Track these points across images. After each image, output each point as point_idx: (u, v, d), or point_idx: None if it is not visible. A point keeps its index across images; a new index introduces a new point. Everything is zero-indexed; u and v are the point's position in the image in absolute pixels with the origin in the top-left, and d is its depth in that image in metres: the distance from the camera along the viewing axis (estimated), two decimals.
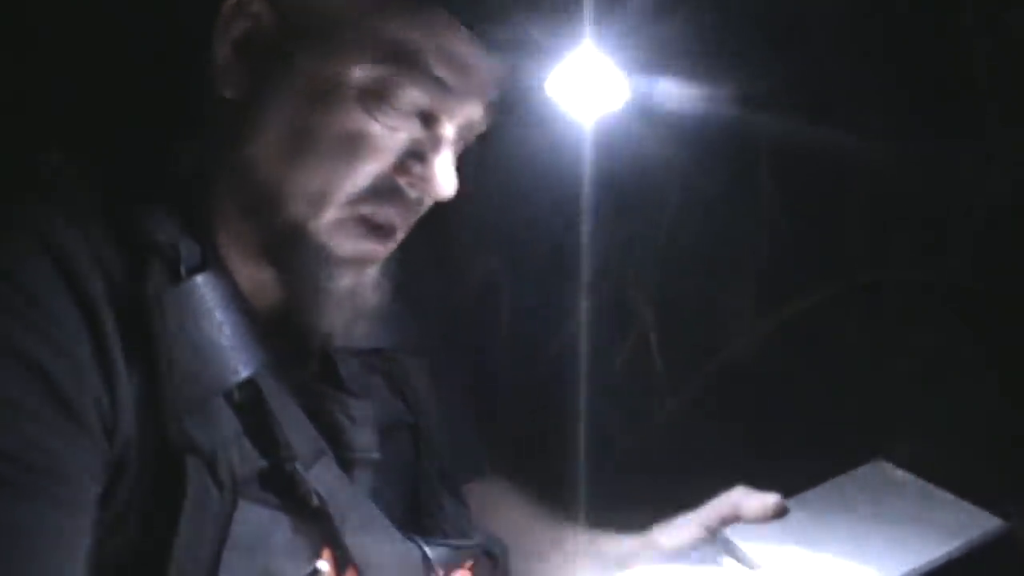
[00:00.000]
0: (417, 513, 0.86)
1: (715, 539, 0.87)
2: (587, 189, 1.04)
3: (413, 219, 0.80)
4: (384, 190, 0.77)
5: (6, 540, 0.64)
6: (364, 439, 0.82)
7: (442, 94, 0.76)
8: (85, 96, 0.83)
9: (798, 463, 1.02)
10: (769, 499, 0.88)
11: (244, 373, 0.74)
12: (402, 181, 0.77)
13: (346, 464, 0.80)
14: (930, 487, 0.89)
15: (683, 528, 0.90)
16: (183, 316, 0.72)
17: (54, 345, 0.67)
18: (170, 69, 0.78)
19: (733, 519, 0.88)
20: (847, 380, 1.20)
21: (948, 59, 1.17)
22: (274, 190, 0.76)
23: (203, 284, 0.74)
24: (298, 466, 0.75)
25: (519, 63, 0.80)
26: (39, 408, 0.66)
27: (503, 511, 0.98)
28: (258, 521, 0.72)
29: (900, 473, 0.93)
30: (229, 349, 0.74)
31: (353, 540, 0.76)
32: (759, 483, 0.90)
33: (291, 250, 0.77)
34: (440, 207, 0.81)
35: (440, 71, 0.75)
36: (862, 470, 0.95)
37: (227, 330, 0.74)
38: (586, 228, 1.11)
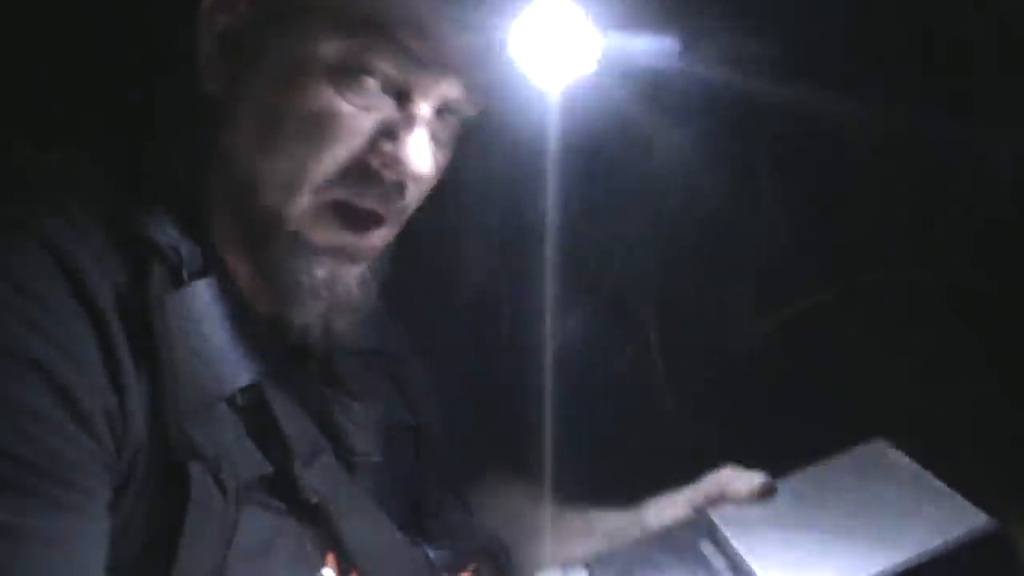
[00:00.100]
0: (419, 515, 0.86)
1: (702, 518, 0.87)
2: (551, 179, 0.93)
3: (397, 209, 0.78)
4: (357, 173, 0.75)
5: (21, 547, 0.63)
6: (365, 441, 0.82)
7: (413, 66, 0.74)
8: (71, 98, 0.82)
9: (798, 463, 1.02)
10: (756, 479, 0.87)
11: (247, 377, 0.74)
12: (376, 163, 0.75)
13: (348, 466, 0.80)
14: (926, 476, 0.88)
15: (670, 505, 0.90)
16: (186, 320, 0.71)
17: (63, 350, 0.66)
18: (154, 68, 0.78)
19: (719, 498, 0.87)
20: (847, 380, 1.20)
21: (949, 53, 1.17)
22: (251, 179, 0.75)
23: (205, 288, 0.73)
24: (300, 469, 0.75)
25: (493, 32, 0.76)
26: (50, 414, 0.65)
27: (501, 498, 0.98)
28: (262, 528, 0.72)
29: (897, 457, 0.92)
30: (231, 353, 0.73)
31: (355, 543, 0.76)
32: None
33: (267, 240, 0.76)
34: (439, 208, 0.80)
35: (410, 41, 0.73)
36: (860, 450, 0.94)
37: (229, 334, 0.74)
38: (550, 218, 1.01)
